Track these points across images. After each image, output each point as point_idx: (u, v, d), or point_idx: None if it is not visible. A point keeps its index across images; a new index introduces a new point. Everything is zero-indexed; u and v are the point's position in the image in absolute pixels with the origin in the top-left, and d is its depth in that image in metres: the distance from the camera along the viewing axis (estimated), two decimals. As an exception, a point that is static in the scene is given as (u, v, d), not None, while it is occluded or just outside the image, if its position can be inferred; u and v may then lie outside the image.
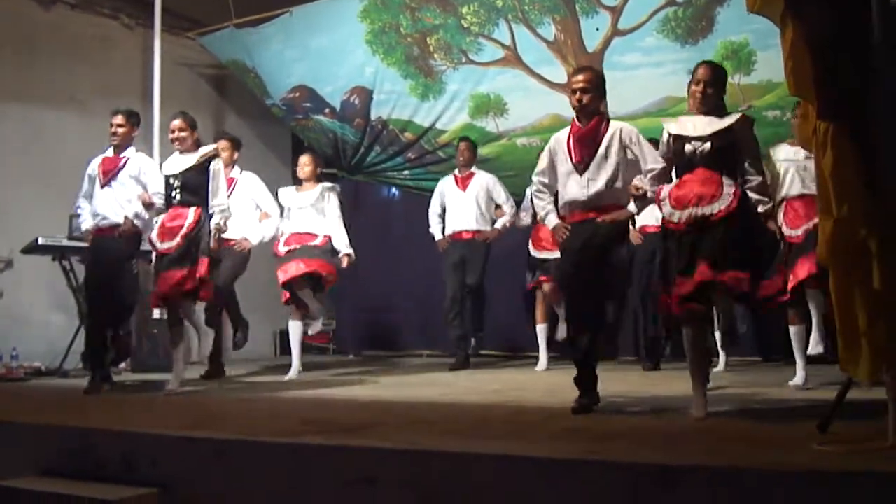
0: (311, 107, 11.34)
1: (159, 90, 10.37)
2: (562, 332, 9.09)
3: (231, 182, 8.74)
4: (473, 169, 9.60)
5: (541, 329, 9.28)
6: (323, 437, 4.63)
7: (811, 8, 4.21)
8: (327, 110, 11.27)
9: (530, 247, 9.18)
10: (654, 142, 6.44)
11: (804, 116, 4.35)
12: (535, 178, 6.15)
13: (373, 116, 11.08)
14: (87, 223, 7.93)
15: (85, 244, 8.58)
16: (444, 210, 9.65)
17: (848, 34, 4.17)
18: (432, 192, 9.78)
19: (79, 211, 8.14)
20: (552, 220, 5.94)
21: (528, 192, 9.14)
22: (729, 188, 5.32)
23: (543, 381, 8.02)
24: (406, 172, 11.52)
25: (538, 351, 9.29)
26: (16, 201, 9.67)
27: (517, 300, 9.81)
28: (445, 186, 9.67)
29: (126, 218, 7.60)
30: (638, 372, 8.64)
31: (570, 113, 5.97)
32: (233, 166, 8.95)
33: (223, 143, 8.85)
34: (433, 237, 9.69)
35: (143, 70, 10.91)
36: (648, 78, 9.21)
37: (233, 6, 10.65)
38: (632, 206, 5.88)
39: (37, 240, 9.03)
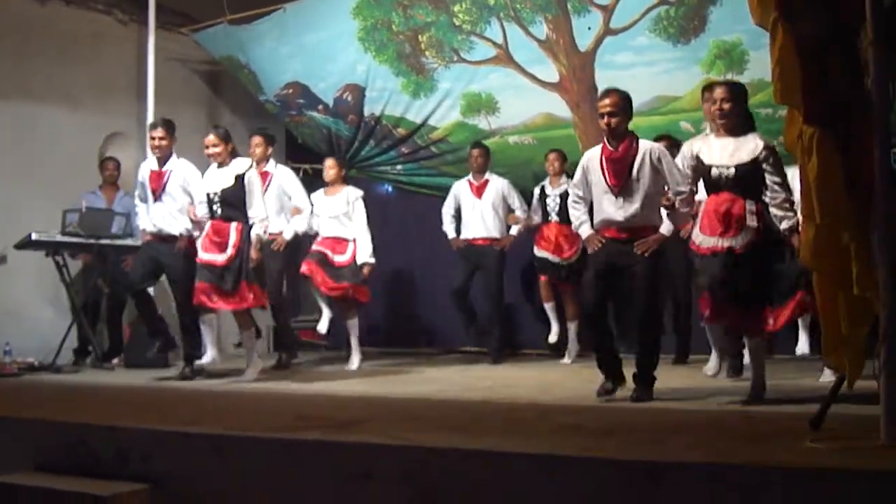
0: (304, 103, 11.33)
1: (153, 86, 10.34)
2: (554, 335, 9.22)
3: (266, 176, 8.95)
4: (487, 175, 9.66)
5: (549, 307, 9.42)
6: (318, 433, 4.65)
7: (804, 12, 4.24)
8: (320, 107, 11.26)
9: (535, 246, 9.33)
10: (653, 138, 6.66)
11: (789, 122, 4.38)
12: (571, 190, 6.52)
13: (366, 113, 11.07)
14: (144, 222, 8.48)
15: (78, 239, 9.04)
16: (457, 212, 9.74)
17: (839, 38, 4.21)
18: (425, 187, 9.83)
19: (136, 209, 8.82)
20: (586, 231, 6.27)
21: (536, 192, 9.42)
22: (752, 220, 5.62)
23: (536, 378, 8.03)
24: (399, 168, 11.50)
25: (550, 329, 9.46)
26: (8, 197, 9.63)
27: (516, 298, 9.85)
28: (460, 190, 9.74)
29: (181, 235, 8.16)
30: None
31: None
32: (267, 161, 9.13)
33: (257, 140, 9.10)
34: (446, 235, 9.80)
35: (136, 66, 10.87)
36: (641, 77, 9.19)
37: (226, 3, 10.63)
38: (666, 225, 6.18)
39: (30, 235, 9.01)
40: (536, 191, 9.41)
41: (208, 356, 7.94)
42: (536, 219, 9.43)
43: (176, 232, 8.21)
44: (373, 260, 9.09)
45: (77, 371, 8.98)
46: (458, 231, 9.71)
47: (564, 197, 8.59)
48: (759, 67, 8.48)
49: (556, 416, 5.29)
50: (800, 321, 6.99)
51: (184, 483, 4.57)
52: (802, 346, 7.44)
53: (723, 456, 3.78)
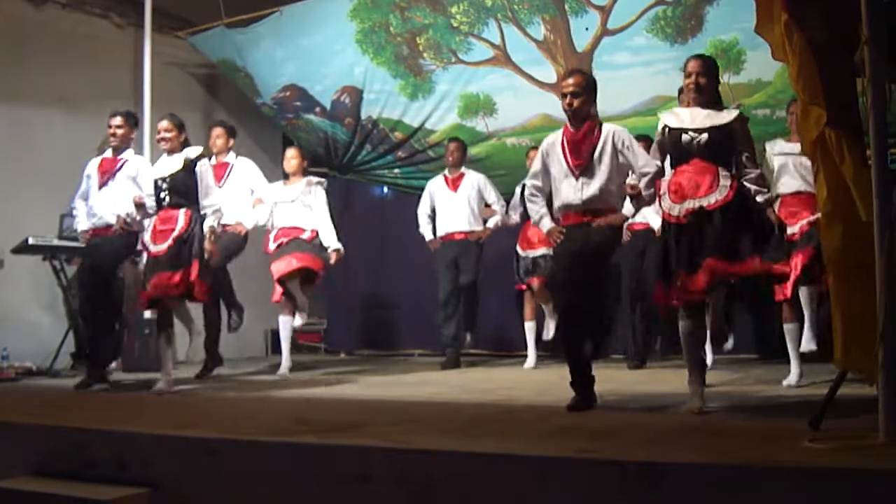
0: (301, 106, 11.34)
1: (149, 90, 10.33)
2: (549, 331, 9.15)
3: (226, 167, 8.89)
4: (463, 169, 9.61)
5: (529, 327, 9.33)
6: (315, 436, 4.64)
7: (812, 20, 4.26)
8: (318, 109, 11.27)
9: (518, 247, 9.22)
10: (647, 139, 6.53)
11: (804, 115, 4.37)
12: (528, 182, 6.20)
13: (363, 116, 11.08)
14: (82, 224, 8.00)
15: (75, 244, 8.70)
16: (433, 211, 9.65)
17: (845, 41, 4.22)
18: (422, 189, 9.79)
19: (74, 212, 8.23)
20: (546, 224, 6.02)
21: (518, 190, 9.23)
22: (725, 180, 5.38)
23: (534, 380, 8.04)
24: (396, 171, 11.52)
25: (527, 349, 9.33)
26: (5, 201, 9.63)
27: (508, 299, 9.82)
28: (435, 187, 9.67)
29: (118, 217, 7.66)
30: (627, 370, 8.64)
31: (560, 113, 6.01)
32: (227, 152, 9.05)
33: (218, 131, 9.01)
34: (423, 238, 9.70)
35: (133, 69, 10.88)
36: (638, 77, 9.22)
37: (223, 6, 10.64)
38: (628, 208, 5.97)
39: (27, 240, 9.01)
40: (518, 189, 9.22)
41: (162, 383, 7.40)
42: (515, 217, 9.35)
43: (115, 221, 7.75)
44: (339, 245, 8.88)
45: (75, 375, 8.92)
46: (434, 232, 9.64)
47: None
48: (757, 67, 8.52)
49: (554, 418, 5.28)
50: (806, 317, 6.92)
51: (183, 487, 4.55)
52: (807, 342, 7.27)
53: (721, 456, 3.77)
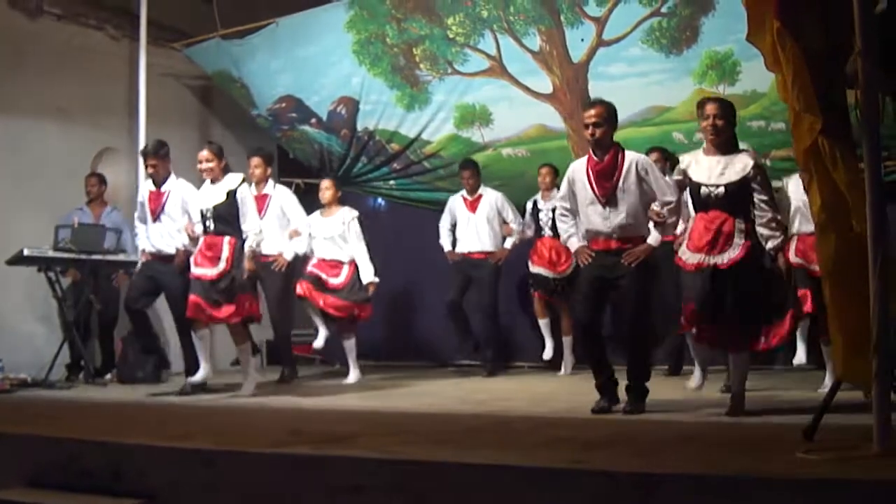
0: (297, 117, 11.32)
1: (145, 102, 10.33)
2: (548, 352, 9.22)
3: (266, 198, 9.14)
4: (481, 190, 9.73)
5: (544, 324, 9.46)
6: (310, 448, 4.64)
7: (804, 25, 4.27)
8: (313, 120, 11.26)
9: (529, 262, 9.36)
10: (661, 151, 6.69)
11: (796, 123, 4.38)
12: (558, 203, 6.52)
13: (359, 127, 11.06)
14: (143, 243, 8.48)
15: (70, 255, 9.04)
16: (453, 225, 9.80)
17: (837, 51, 4.24)
18: (418, 202, 9.85)
19: (136, 230, 8.71)
20: (574, 244, 6.30)
21: (528, 206, 9.46)
22: (739, 237, 5.67)
23: (529, 391, 8.03)
24: (392, 183, 11.50)
25: (543, 348, 9.49)
26: (0, 212, 9.62)
27: (505, 310, 9.84)
28: (456, 205, 9.82)
29: (178, 251, 8.16)
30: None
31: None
32: (266, 182, 9.26)
33: (256, 161, 9.21)
34: (442, 248, 9.84)
35: (128, 81, 10.86)
36: (633, 88, 9.22)
37: (218, 17, 10.64)
38: (653, 236, 6.17)
39: (22, 251, 8.99)
40: (529, 205, 9.48)
41: (202, 372, 7.90)
42: (529, 232, 9.49)
43: (174, 251, 8.22)
44: (377, 279, 9.09)
45: (70, 387, 8.95)
46: (453, 245, 9.75)
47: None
48: (751, 78, 8.52)
49: (549, 429, 5.29)
50: (798, 332, 6.96)
51: (178, 498, 4.55)
52: (800, 356, 7.43)
53: (715, 467, 3.77)
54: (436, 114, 10.57)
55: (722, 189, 5.69)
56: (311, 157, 11.57)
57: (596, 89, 9.12)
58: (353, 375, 9.15)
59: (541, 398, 7.15)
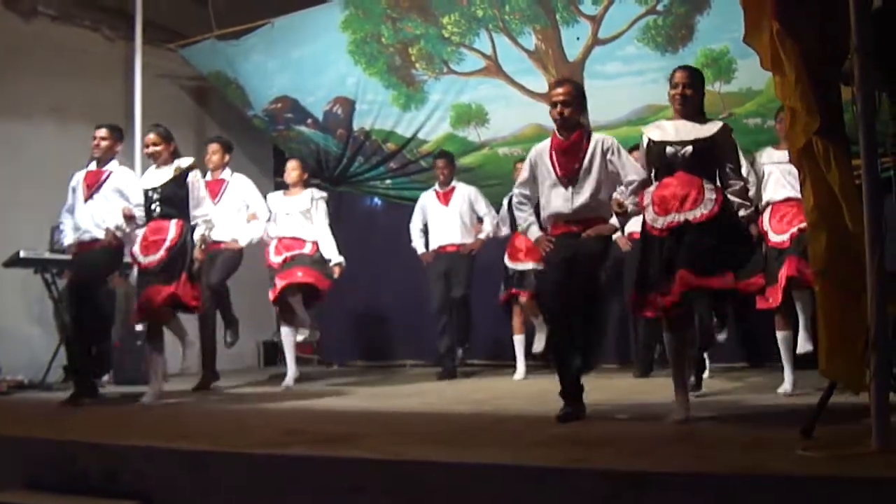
0: (293, 117, 11.33)
1: (140, 102, 10.32)
2: (539, 344, 9.13)
3: (222, 184, 8.92)
4: (454, 182, 9.64)
5: (518, 340, 9.34)
6: (307, 448, 4.63)
7: (801, 25, 4.27)
8: (309, 121, 11.27)
9: (506, 258, 9.22)
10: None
11: (791, 122, 4.38)
12: (515, 190, 6.22)
13: (355, 127, 11.08)
14: (68, 238, 7.93)
15: (66, 257, 8.61)
16: (425, 225, 9.68)
17: (834, 50, 4.24)
18: (415, 200, 9.80)
19: (61, 226, 8.16)
20: (534, 232, 6.02)
21: (505, 202, 9.27)
22: (711, 193, 5.37)
23: (525, 390, 8.04)
24: (388, 182, 11.52)
25: (516, 360, 9.33)
26: (-5, 214, 9.63)
27: (499, 310, 9.81)
28: (427, 201, 9.70)
29: (108, 230, 7.61)
30: (624, 379, 8.63)
31: (551, 123, 5.98)
32: (223, 168, 9.08)
33: (213, 147, 9.04)
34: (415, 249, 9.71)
35: (124, 82, 10.86)
36: (629, 87, 9.24)
37: (214, 18, 10.65)
38: (614, 221, 5.94)
39: (18, 253, 8.99)
40: (505, 200, 9.25)
41: (149, 396, 7.52)
42: (505, 229, 9.36)
43: (102, 235, 7.66)
44: (342, 259, 8.86)
45: (67, 389, 8.92)
46: (427, 245, 9.67)
47: None
48: (747, 76, 8.53)
49: (545, 428, 5.27)
50: (801, 321, 6.89)
51: (174, 499, 4.54)
52: (803, 343, 7.17)
53: (712, 465, 3.77)
54: (432, 113, 10.58)
55: (689, 148, 5.43)
56: (308, 157, 11.54)
57: (592, 88, 9.05)
58: (292, 374, 8.87)
59: (536, 397, 7.13)
